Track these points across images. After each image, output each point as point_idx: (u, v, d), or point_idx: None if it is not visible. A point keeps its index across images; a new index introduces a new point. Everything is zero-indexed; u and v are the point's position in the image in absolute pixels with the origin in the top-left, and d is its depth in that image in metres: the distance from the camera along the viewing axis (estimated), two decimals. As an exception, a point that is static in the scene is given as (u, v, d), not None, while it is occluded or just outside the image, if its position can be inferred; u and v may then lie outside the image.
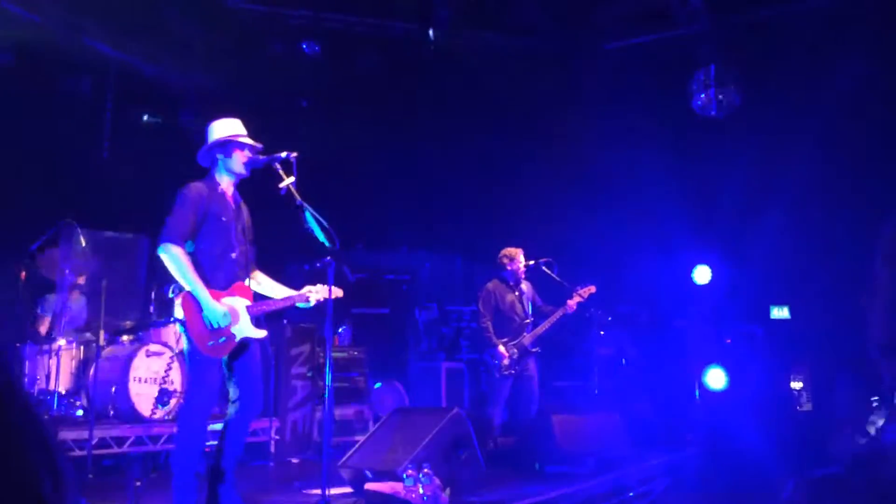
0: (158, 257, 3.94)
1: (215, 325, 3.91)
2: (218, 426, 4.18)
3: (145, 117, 9.12)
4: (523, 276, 6.77)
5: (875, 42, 7.48)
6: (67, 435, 5.63)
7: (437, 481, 4.24)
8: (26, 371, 6.36)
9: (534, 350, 6.63)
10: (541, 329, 6.60)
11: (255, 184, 4.34)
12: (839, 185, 8.19)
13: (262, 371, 4.25)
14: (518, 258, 6.75)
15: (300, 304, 4.34)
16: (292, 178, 4.10)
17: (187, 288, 3.86)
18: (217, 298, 3.94)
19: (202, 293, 3.87)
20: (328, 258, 4.11)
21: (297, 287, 4.44)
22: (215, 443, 4.15)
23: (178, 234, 3.90)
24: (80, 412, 6.31)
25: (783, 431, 7.38)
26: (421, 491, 4.14)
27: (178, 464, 3.87)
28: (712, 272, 9.29)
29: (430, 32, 8.56)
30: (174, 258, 3.86)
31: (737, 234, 8.95)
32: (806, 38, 7.83)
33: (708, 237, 9.12)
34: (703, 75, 8.25)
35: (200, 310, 3.88)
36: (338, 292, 4.29)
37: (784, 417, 8.20)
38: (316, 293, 4.29)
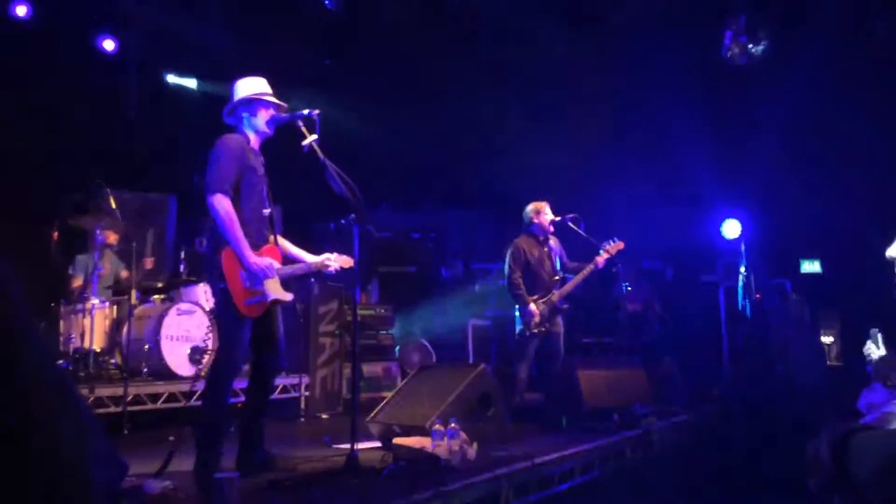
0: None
1: (261, 277, 3.96)
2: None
3: (170, 77, 9.13)
4: (551, 230, 6.69)
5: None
6: (103, 392, 5.77)
7: (465, 436, 4.29)
8: (62, 330, 6.50)
9: (563, 307, 6.59)
10: (570, 286, 6.55)
11: (279, 142, 4.34)
12: (871, 138, 8.00)
13: (286, 328, 4.32)
14: (544, 211, 6.66)
15: (320, 270, 4.39)
16: (315, 136, 4.08)
17: (231, 242, 3.89)
18: None
19: (244, 249, 3.90)
20: (353, 216, 4.11)
21: (324, 246, 4.47)
22: (242, 399, 4.23)
23: (228, 185, 3.91)
24: (114, 370, 6.45)
25: (812, 386, 7.35)
26: (448, 446, 4.18)
27: (207, 420, 3.94)
28: (742, 226, 9.17)
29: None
30: (224, 211, 3.87)
31: (767, 188, 8.82)
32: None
33: (737, 191, 8.99)
34: (734, 23, 8.04)
35: (240, 267, 3.91)
36: (348, 261, 4.31)
37: (814, 372, 8.15)
38: (334, 261, 4.32)
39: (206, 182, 3.91)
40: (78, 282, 6.97)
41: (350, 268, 4.29)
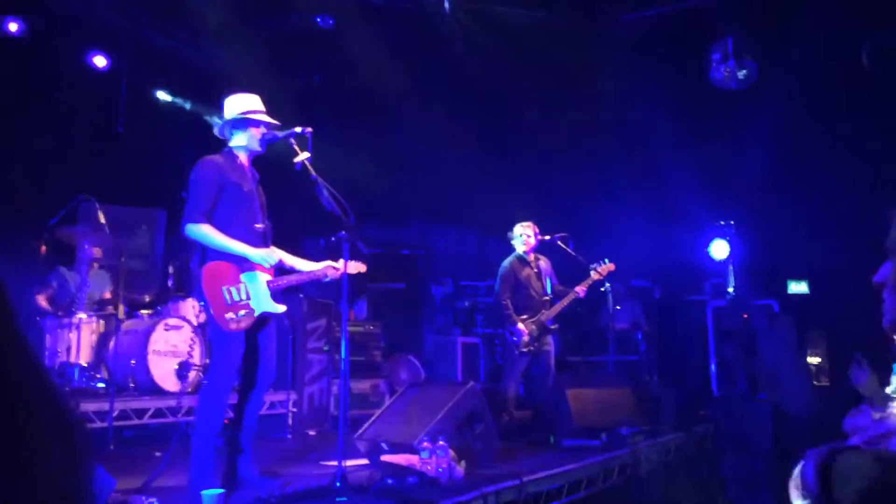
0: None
1: (266, 265, 4.03)
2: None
3: (159, 93, 9.14)
4: (530, 249, 6.74)
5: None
6: (88, 407, 5.73)
7: (453, 454, 4.28)
8: (47, 344, 6.46)
9: (553, 327, 6.65)
10: (559, 307, 6.60)
11: (271, 159, 4.35)
12: (859, 158, 8.09)
13: (277, 345, 4.30)
14: (526, 233, 6.73)
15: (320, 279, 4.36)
16: (307, 154, 4.09)
17: (227, 250, 3.93)
18: (236, 274, 3.98)
19: (240, 247, 3.95)
20: (343, 233, 4.11)
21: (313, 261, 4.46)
22: (230, 416, 4.21)
23: (200, 213, 3.93)
24: (100, 385, 6.41)
25: (800, 407, 7.38)
26: (436, 463, 4.17)
27: (199, 437, 3.91)
28: (729, 247, 9.22)
29: (446, 5, 8.50)
30: (204, 235, 3.91)
31: (755, 208, 8.88)
32: (825, 6, 7.69)
33: (725, 211, 9.05)
34: (721, 47, 8.13)
35: (221, 283, 3.91)
36: (360, 267, 4.31)
37: (801, 393, 8.19)
38: (337, 267, 4.28)
39: (183, 210, 3.96)
40: (49, 294, 6.86)
41: (340, 281, 4.26)
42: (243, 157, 4.20)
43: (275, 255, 4.14)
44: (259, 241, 4.14)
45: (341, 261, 4.24)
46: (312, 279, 4.37)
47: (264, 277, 4.09)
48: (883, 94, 7.76)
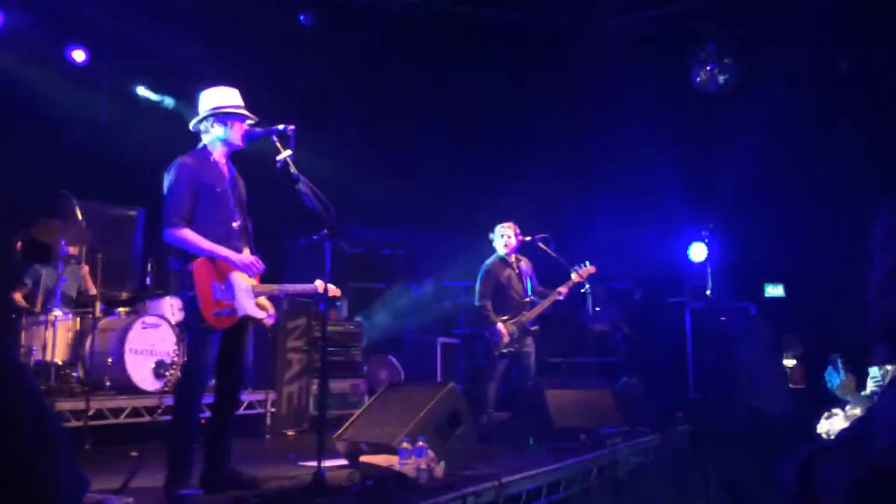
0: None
1: (253, 271, 4.03)
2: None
3: (141, 89, 9.04)
4: (511, 250, 6.77)
5: (877, 18, 7.45)
6: (64, 405, 5.66)
7: (432, 455, 4.27)
8: (23, 342, 6.37)
9: (533, 329, 6.67)
10: (539, 309, 6.64)
11: (251, 156, 4.32)
12: (837, 163, 8.19)
13: (254, 344, 4.29)
14: (506, 234, 6.76)
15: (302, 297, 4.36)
16: (289, 151, 4.07)
17: (209, 255, 3.90)
18: (224, 274, 3.95)
19: (223, 252, 3.94)
20: (325, 232, 4.10)
21: (293, 261, 4.46)
22: (208, 415, 4.18)
23: (179, 217, 3.91)
24: (76, 383, 6.33)
25: (775, 409, 7.45)
26: (415, 464, 4.17)
27: (174, 436, 3.88)
28: (708, 250, 9.31)
29: (429, 6, 8.50)
30: (184, 240, 3.89)
31: (733, 212, 8.97)
32: (807, 13, 7.78)
33: (704, 215, 9.13)
34: (703, 51, 8.20)
35: (212, 278, 3.89)
36: (336, 291, 4.29)
37: (778, 397, 8.26)
38: (321, 289, 4.23)
39: (162, 215, 3.94)
40: (24, 291, 6.80)
41: (321, 280, 4.25)
42: (219, 153, 4.16)
43: (258, 265, 4.11)
44: (237, 240, 4.11)
45: (319, 282, 4.22)
46: (293, 294, 4.37)
47: (249, 281, 4.08)
48: (860, 103, 7.86)
